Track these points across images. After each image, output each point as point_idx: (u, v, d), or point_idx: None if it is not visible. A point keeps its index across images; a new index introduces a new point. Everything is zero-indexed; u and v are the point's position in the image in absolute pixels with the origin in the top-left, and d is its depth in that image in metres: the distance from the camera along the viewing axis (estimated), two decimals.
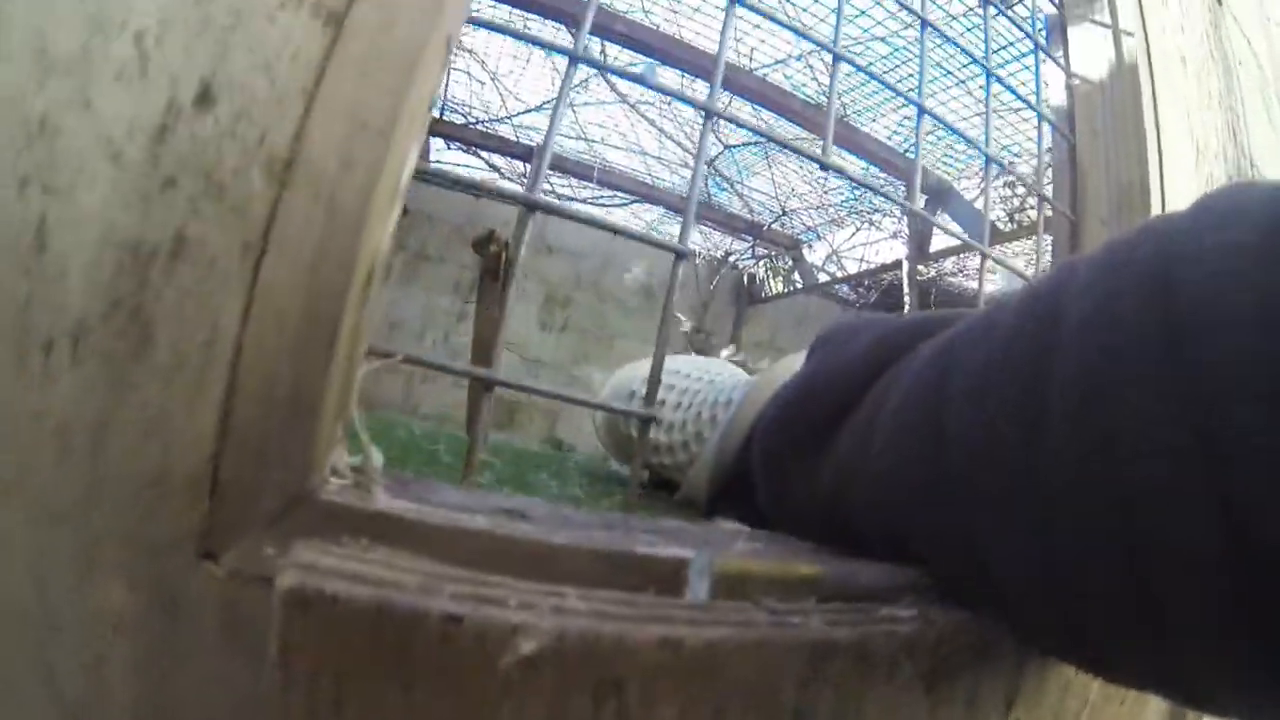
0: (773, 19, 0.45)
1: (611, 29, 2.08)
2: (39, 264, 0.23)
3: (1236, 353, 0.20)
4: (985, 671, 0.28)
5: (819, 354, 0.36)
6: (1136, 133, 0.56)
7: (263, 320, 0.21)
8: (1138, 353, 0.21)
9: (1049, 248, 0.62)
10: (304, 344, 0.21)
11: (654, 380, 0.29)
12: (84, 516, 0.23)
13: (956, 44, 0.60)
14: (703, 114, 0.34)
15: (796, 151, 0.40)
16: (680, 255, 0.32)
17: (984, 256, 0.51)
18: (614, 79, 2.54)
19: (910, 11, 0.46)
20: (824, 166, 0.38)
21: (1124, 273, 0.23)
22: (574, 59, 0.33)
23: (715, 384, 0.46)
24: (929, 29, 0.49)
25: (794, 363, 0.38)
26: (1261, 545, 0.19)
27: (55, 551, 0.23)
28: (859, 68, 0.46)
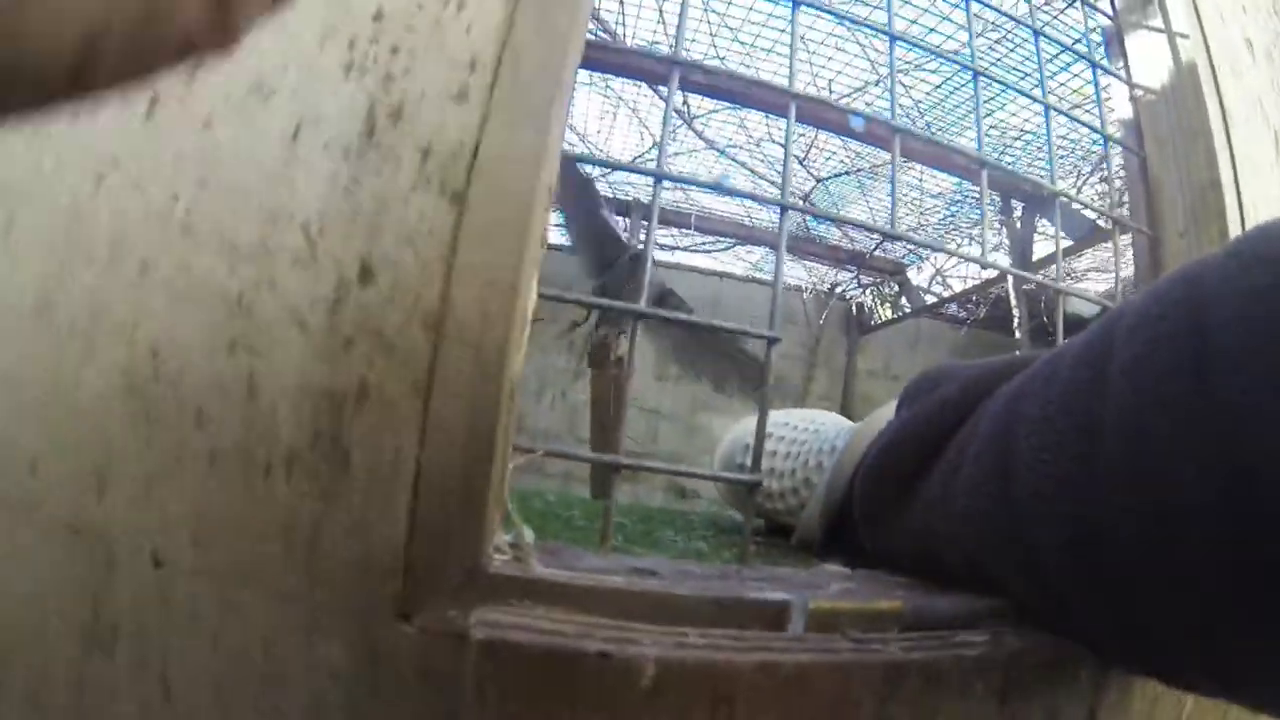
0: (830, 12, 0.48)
1: (690, 80, 1.95)
2: (252, 408, 0.29)
3: (1260, 385, 0.21)
4: (1064, 687, 0.30)
5: (908, 405, 0.39)
6: (1203, 134, 0.53)
7: (436, 441, 0.28)
8: (1173, 393, 0.24)
9: (1130, 266, 0.58)
10: (469, 456, 0.28)
11: (758, 450, 0.32)
12: (308, 594, 0.29)
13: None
14: (778, 209, 0.39)
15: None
16: (772, 341, 0.36)
17: (1060, 293, 0.50)
18: (700, 125, 2.36)
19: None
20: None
21: (1160, 324, 0.25)
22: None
23: (820, 433, 0.48)
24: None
25: (888, 411, 0.41)
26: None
27: (284, 622, 0.30)
28: (914, 44, 0.50)
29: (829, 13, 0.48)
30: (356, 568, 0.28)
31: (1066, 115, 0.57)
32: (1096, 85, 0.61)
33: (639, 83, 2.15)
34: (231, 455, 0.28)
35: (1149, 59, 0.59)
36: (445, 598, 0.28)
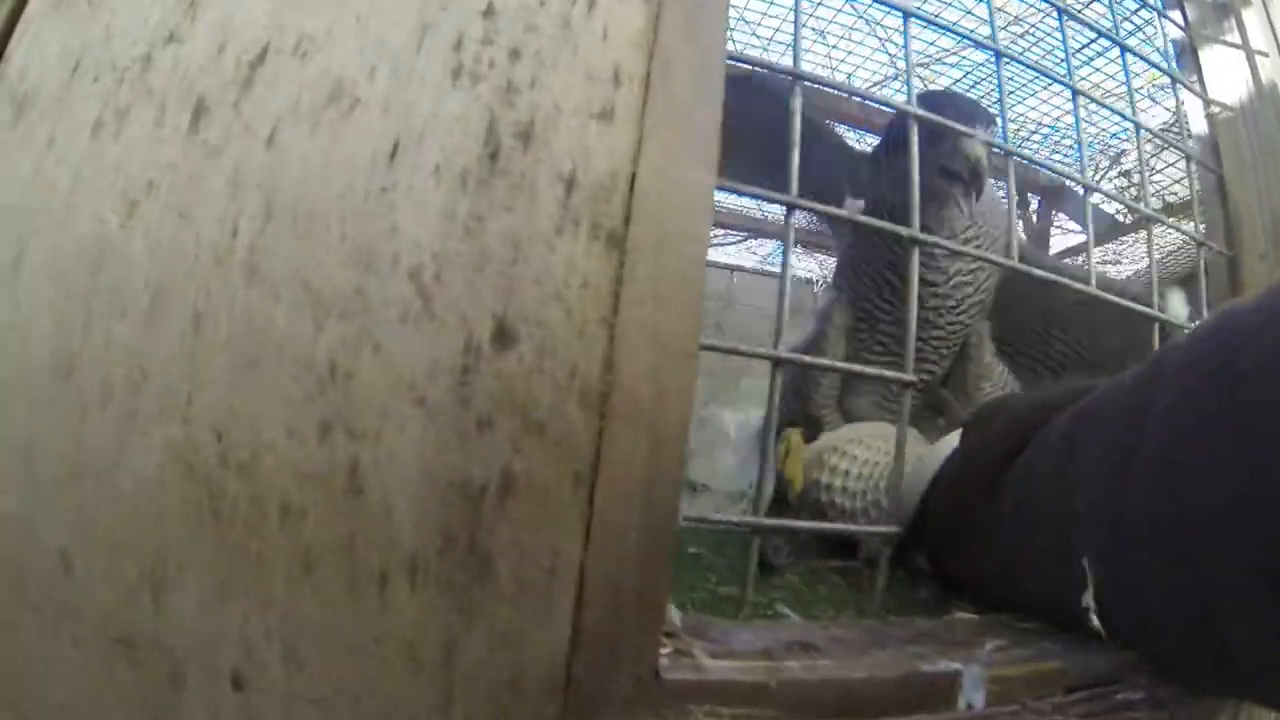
0: None
1: None
2: (358, 504, 0.19)
3: None
4: None
5: (970, 435, 0.32)
6: None
7: (604, 540, 0.17)
8: (1208, 429, 0.20)
9: (1204, 286, 0.44)
10: (644, 553, 0.17)
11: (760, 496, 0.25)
12: (442, 717, 0.19)
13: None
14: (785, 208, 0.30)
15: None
16: (778, 362, 0.27)
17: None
18: None
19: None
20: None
21: (1199, 367, 0.21)
22: None
23: (890, 454, 0.38)
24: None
25: (953, 439, 0.34)
26: None
27: None
28: (930, 21, 0.37)
29: None
30: (505, 688, 0.18)
31: (1099, 103, 0.45)
32: (1128, 77, 0.45)
33: None
34: (333, 560, 0.17)
35: (1227, 76, 0.48)
36: (614, 713, 0.18)
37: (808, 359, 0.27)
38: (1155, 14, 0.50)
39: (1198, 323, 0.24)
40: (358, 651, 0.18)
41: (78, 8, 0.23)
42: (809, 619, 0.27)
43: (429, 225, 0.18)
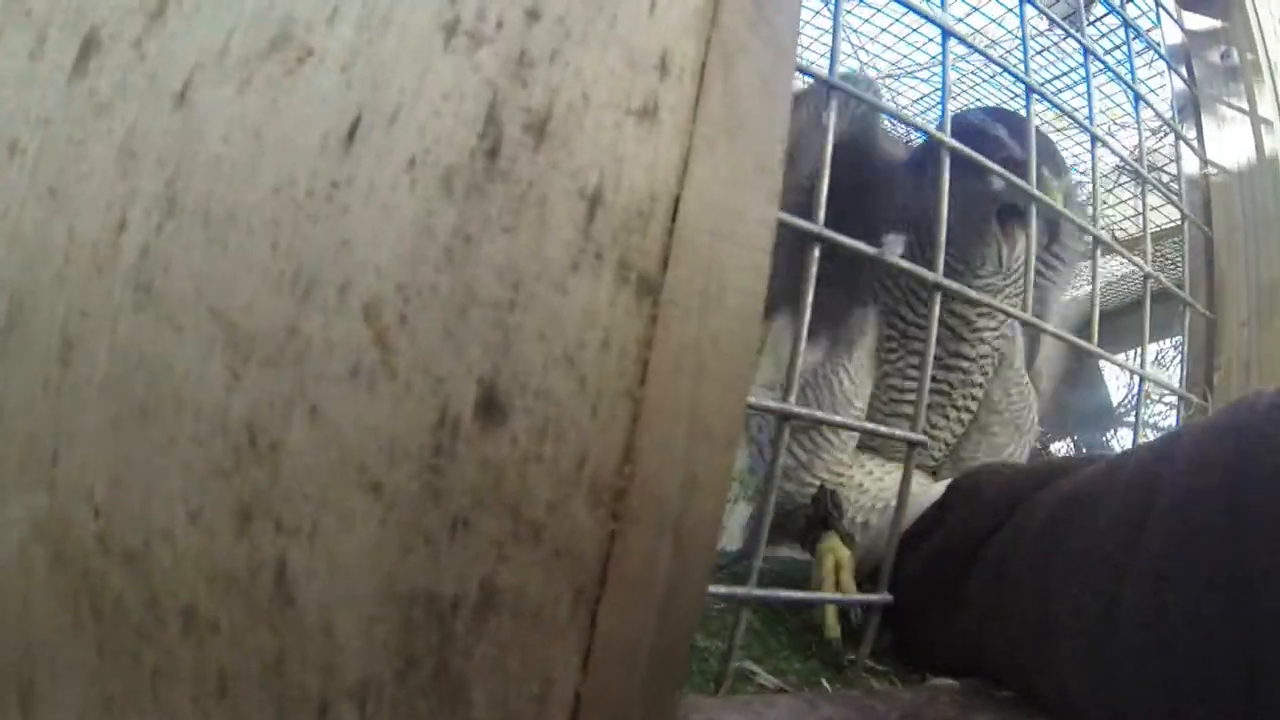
0: None
1: None
2: (288, 616, 0.11)
3: None
4: None
5: (956, 506, 0.25)
6: (1278, 228, 0.35)
7: (606, 666, 0.11)
8: (1205, 539, 0.15)
9: (1185, 345, 0.36)
10: (655, 684, 0.11)
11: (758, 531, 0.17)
12: None
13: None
14: None
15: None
16: (786, 417, 0.18)
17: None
18: None
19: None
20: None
21: (1209, 471, 0.16)
22: None
23: (869, 491, 0.32)
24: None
25: (935, 490, 0.27)
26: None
27: None
28: (963, 41, 0.25)
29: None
30: None
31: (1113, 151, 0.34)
32: (1179, 151, 0.37)
33: None
34: (255, 683, 0.10)
35: (1227, 138, 0.38)
36: None
37: (819, 415, 0.19)
38: (1166, 66, 0.40)
39: (1207, 416, 0.17)
40: None
41: None
42: (776, 675, 0.21)
43: (396, 243, 0.10)
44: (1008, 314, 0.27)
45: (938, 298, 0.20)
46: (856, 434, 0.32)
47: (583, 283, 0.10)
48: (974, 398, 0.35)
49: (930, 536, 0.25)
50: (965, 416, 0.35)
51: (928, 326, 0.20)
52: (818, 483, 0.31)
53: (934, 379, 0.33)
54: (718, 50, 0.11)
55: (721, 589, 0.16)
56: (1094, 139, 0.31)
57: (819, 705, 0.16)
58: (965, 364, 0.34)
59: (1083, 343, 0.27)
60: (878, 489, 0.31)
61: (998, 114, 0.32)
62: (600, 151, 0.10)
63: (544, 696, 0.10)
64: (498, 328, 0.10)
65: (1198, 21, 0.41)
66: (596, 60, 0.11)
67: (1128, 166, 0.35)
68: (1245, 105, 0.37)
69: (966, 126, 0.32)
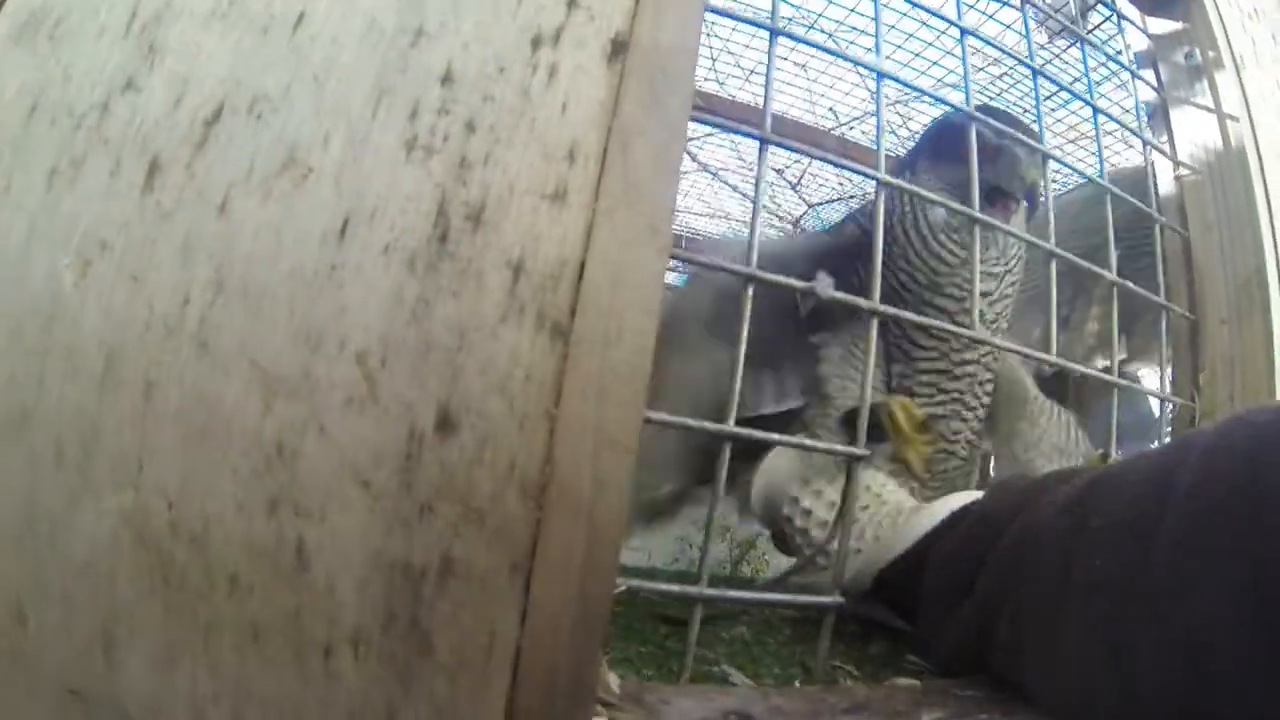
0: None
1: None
2: (304, 580, 0.15)
3: None
4: None
5: (980, 503, 0.26)
6: (1250, 221, 0.35)
7: (539, 625, 0.14)
8: (1225, 515, 0.16)
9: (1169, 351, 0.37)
10: (578, 640, 0.14)
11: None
12: None
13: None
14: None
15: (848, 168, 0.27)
16: (730, 439, 0.20)
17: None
18: (694, 148, 1.37)
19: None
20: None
21: (1227, 455, 0.17)
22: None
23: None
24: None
25: (946, 505, 0.28)
26: None
27: None
28: (902, 82, 0.30)
29: (810, 44, 0.31)
30: None
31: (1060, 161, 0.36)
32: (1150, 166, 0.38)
33: None
34: (279, 631, 0.14)
35: (1197, 138, 0.38)
36: None
37: (758, 434, 0.22)
38: (1129, 74, 0.41)
39: (1219, 422, 0.19)
40: (302, 715, 0.14)
41: (38, 43, 0.18)
42: (754, 679, 0.23)
43: (377, 308, 0.14)
44: (959, 334, 0.29)
45: (874, 322, 0.23)
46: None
47: (510, 331, 0.14)
48: (975, 417, 0.37)
49: (956, 529, 0.26)
50: (974, 428, 0.37)
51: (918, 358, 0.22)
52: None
53: (935, 400, 0.36)
54: (618, 136, 0.15)
55: (674, 587, 0.19)
56: (1045, 156, 0.34)
57: (770, 696, 0.19)
58: (957, 387, 0.36)
59: (1049, 358, 0.28)
60: (895, 500, 0.32)
61: (983, 109, 0.34)
62: (523, 231, 0.14)
63: (491, 648, 0.14)
64: (449, 366, 0.14)
65: (1162, 25, 0.42)
66: (519, 157, 0.15)
67: (1087, 179, 0.36)
68: (1211, 103, 0.38)
69: (950, 124, 0.35)
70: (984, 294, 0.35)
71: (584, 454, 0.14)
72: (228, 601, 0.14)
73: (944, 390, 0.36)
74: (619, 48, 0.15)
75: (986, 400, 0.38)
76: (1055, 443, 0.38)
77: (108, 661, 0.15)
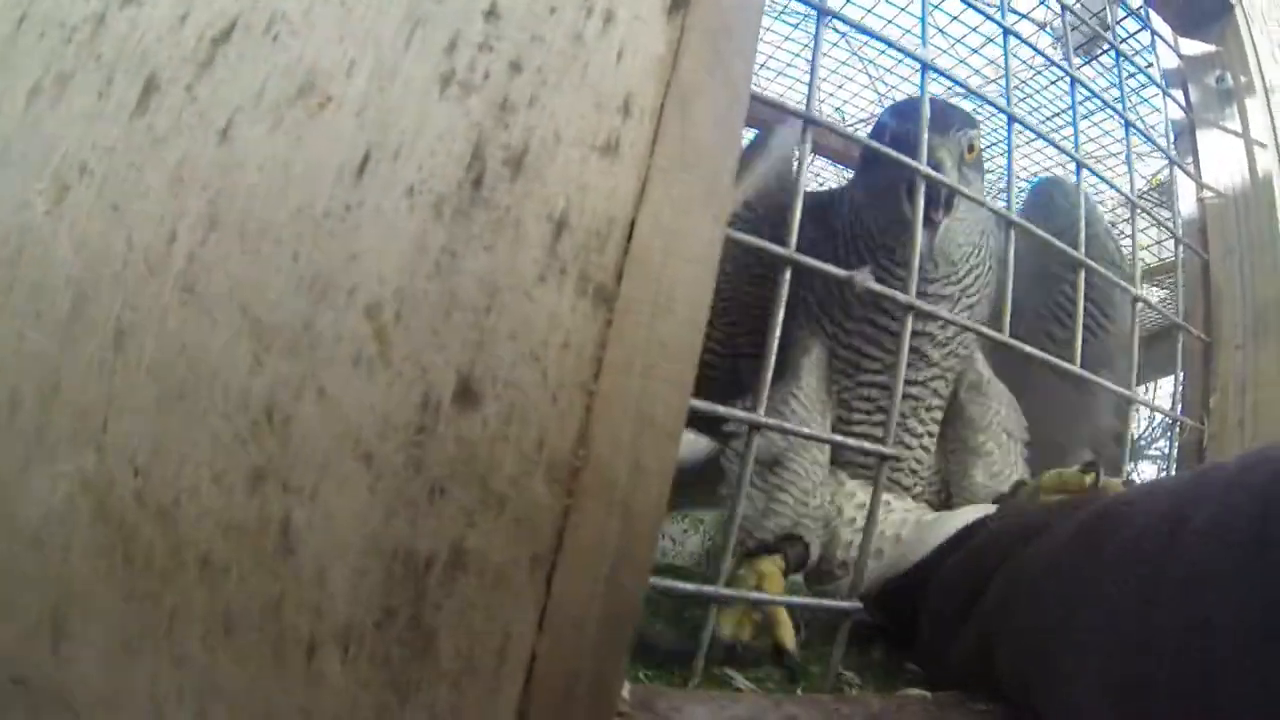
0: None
1: None
2: (289, 566, 0.14)
3: None
4: None
5: (990, 524, 0.26)
6: (1272, 248, 0.36)
7: (559, 627, 0.12)
8: (1237, 560, 0.16)
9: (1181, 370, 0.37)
10: (603, 644, 0.13)
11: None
12: None
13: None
14: None
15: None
16: (756, 427, 0.20)
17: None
18: None
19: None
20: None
21: (1243, 491, 0.16)
22: None
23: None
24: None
25: (958, 519, 0.28)
26: None
27: None
28: (943, 74, 0.28)
29: (865, 32, 0.30)
30: None
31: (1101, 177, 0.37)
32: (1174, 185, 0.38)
33: None
34: (256, 623, 0.13)
35: (1223, 162, 0.39)
36: None
37: (788, 427, 0.21)
38: (1160, 91, 0.41)
39: (1241, 456, 0.18)
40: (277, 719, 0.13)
41: None
42: (758, 686, 0.23)
43: (395, 256, 0.12)
44: (955, 322, 0.28)
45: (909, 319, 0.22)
46: (823, 465, 0.33)
47: (548, 292, 0.12)
48: (937, 410, 0.36)
49: (960, 550, 0.25)
50: (933, 430, 0.36)
51: (895, 349, 0.22)
52: (786, 521, 0.31)
53: (873, 420, 0.34)
54: (676, 93, 0.14)
55: (689, 586, 0.18)
56: (1079, 165, 0.33)
57: (783, 704, 0.18)
58: (918, 386, 0.34)
59: (1042, 354, 0.27)
60: (899, 516, 0.32)
61: (893, 107, 0.33)
62: (568, 182, 0.13)
63: (503, 651, 0.12)
64: (475, 328, 0.12)
65: (1194, 47, 0.42)
66: (568, 104, 0.14)
67: (1122, 196, 0.36)
68: (1239, 128, 0.38)
69: (877, 129, 0.33)
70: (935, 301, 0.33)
71: (623, 435, 0.12)
72: (198, 586, 0.12)
73: (883, 409, 0.35)
74: (679, 0, 0.14)
75: (934, 428, 0.36)
76: (1005, 425, 0.37)
77: (55, 649, 0.13)
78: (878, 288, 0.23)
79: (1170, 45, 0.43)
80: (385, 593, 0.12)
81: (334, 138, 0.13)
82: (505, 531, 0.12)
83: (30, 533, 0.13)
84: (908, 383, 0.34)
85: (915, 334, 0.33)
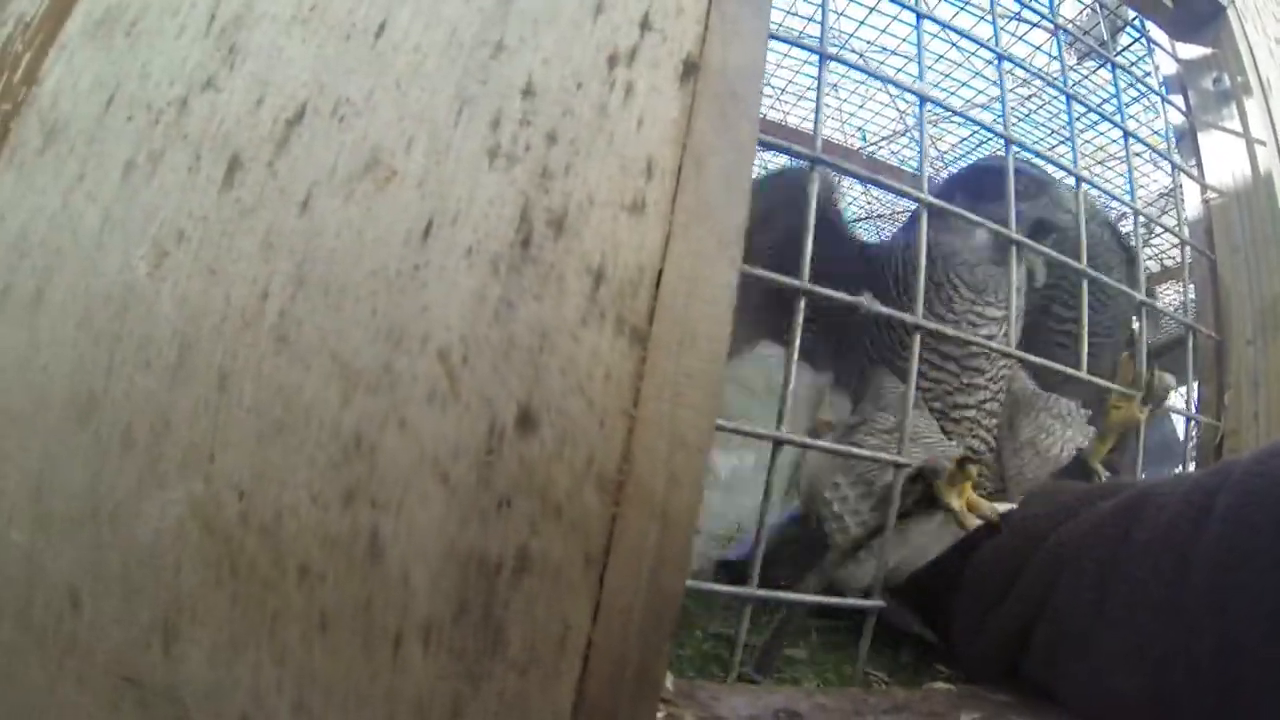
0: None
1: None
2: (377, 571, 0.16)
3: None
4: None
5: (1021, 509, 0.28)
6: (1276, 243, 0.38)
7: (611, 618, 0.15)
8: (1257, 544, 0.18)
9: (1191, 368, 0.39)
10: (648, 634, 0.15)
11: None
12: None
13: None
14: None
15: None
16: (779, 443, 0.23)
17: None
18: None
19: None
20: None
21: (1265, 479, 0.19)
22: None
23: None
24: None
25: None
26: None
27: None
28: (940, 104, 0.36)
29: (859, 70, 0.34)
30: None
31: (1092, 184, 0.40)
32: (1129, 160, 0.41)
33: None
34: (347, 621, 0.15)
35: (1225, 162, 0.41)
36: None
37: (806, 440, 0.24)
38: (1159, 98, 0.44)
39: (1259, 449, 0.21)
40: (367, 705, 0.16)
41: (114, 39, 0.19)
42: (792, 682, 0.25)
43: (459, 307, 0.15)
44: (991, 349, 0.32)
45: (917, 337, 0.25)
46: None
47: (591, 334, 0.15)
48: (988, 429, 0.40)
49: (993, 535, 0.28)
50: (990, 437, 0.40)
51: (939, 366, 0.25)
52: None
53: (945, 415, 0.38)
54: (691, 153, 0.17)
55: (726, 587, 0.21)
56: (1078, 180, 0.37)
57: (814, 695, 0.21)
58: (970, 406, 0.38)
59: (1068, 369, 0.31)
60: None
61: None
62: (603, 239, 0.16)
63: (564, 640, 0.15)
64: (531, 365, 0.15)
65: (1190, 51, 0.45)
66: (599, 169, 0.17)
67: (1123, 202, 0.40)
68: (1239, 127, 0.41)
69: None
70: (989, 334, 0.38)
71: (659, 452, 0.15)
72: (297, 591, 0.15)
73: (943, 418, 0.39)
74: (690, 69, 0.17)
75: (989, 437, 0.40)
76: (1048, 449, 0.40)
77: (166, 651, 0.16)
78: (885, 310, 0.26)
79: (1168, 51, 0.46)
80: (460, 591, 0.15)
81: (400, 207, 0.16)
82: (563, 536, 0.15)
83: (143, 551, 0.16)
84: (961, 403, 0.38)
85: (971, 354, 0.37)
